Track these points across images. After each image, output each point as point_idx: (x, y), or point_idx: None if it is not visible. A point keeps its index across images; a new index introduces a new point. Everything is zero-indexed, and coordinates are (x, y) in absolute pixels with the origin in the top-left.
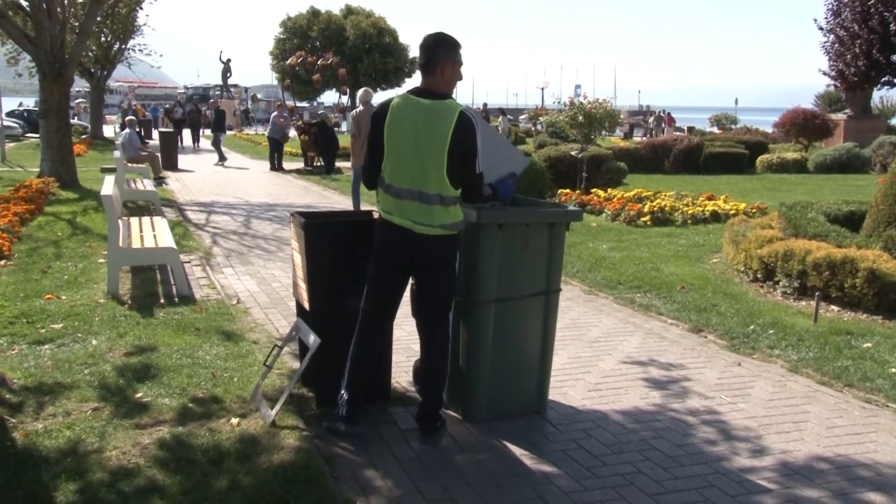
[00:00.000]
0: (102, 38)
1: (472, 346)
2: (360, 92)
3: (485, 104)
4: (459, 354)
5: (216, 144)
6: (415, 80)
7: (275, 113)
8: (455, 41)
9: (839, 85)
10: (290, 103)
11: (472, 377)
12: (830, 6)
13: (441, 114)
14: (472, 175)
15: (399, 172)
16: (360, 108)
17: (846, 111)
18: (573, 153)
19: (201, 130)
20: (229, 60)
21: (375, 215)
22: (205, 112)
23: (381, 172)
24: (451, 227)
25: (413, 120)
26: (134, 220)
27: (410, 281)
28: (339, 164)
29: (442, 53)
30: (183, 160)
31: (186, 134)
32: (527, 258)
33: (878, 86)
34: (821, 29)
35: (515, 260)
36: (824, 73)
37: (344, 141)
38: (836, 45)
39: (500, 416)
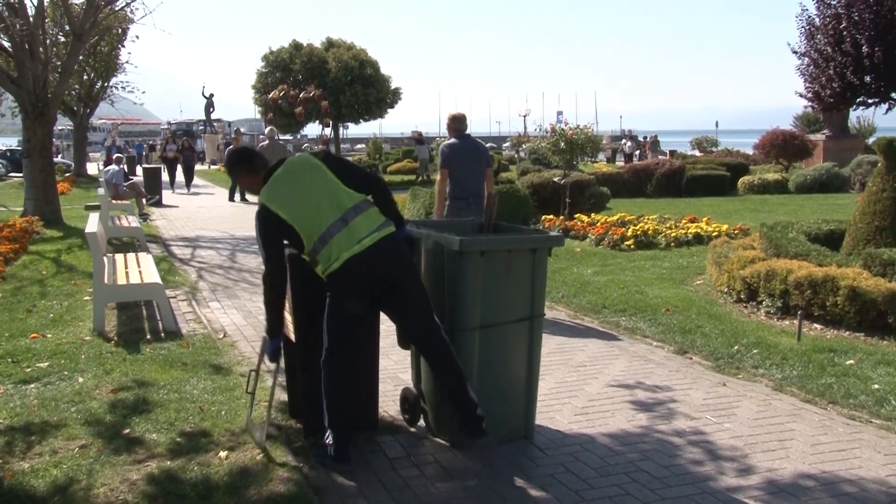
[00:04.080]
0: (85, 77)
1: None
2: (266, 129)
3: (419, 132)
4: None
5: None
6: (397, 111)
7: (230, 147)
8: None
9: (816, 106)
10: None
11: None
12: (803, 30)
13: (302, 161)
14: (369, 173)
15: (316, 223)
16: (266, 142)
17: (824, 131)
18: (556, 179)
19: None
20: (212, 95)
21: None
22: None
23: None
24: (383, 226)
25: (289, 181)
26: (119, 257)
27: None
28: None
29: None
30: (173, 198)
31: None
32: (510, 284)
33: (854, 106)
34: (795, 52)
35: (499, 286)
36: (801, 96)
37: None
38: (811, 67)
39: (487, 442)
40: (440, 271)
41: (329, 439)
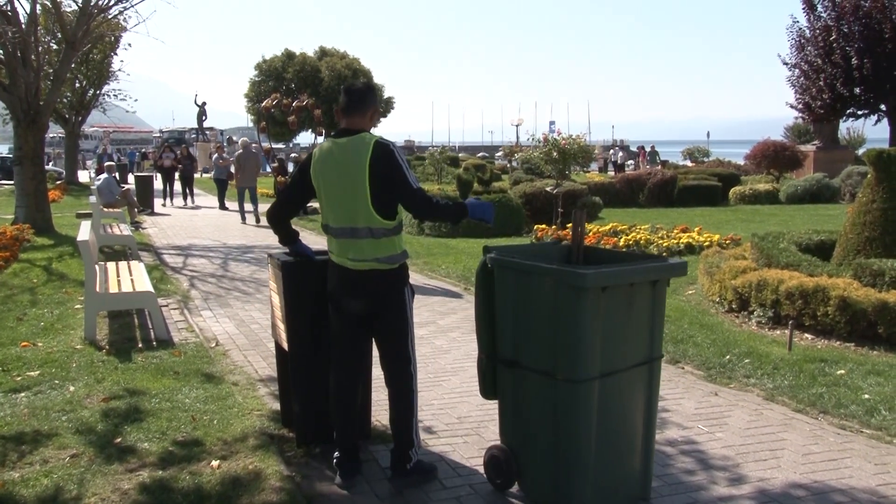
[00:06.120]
0: (77, 84)
1: (574, 431)
2: (241, 140)
3: (411, 141)
4: (557, 441)
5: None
6: (389, 120)
7: (215, 155)
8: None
9: (806, 117)
10: (265, 145)
11: (575, 467)
12: (794, 42)
13: (357, 148)
14: (411, 193)
15: (331, 213)
16: (241, 150)
17: (815, 142)
18: (548, 189)
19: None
20: (204, 103)
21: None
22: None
23: (290, 213)
24: (385, 260)
25: (334, 160)
26: (111, 265)
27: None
28: None
29: (372, 99)
30: (166, 207)
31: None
32: (631, 323)
33: (844, 117)
34: (785, 64)
35: (620, 327)
36: (791, 107)
37: None
38: (802, 78)
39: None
40: (542, 310)
41: (336, 458)
